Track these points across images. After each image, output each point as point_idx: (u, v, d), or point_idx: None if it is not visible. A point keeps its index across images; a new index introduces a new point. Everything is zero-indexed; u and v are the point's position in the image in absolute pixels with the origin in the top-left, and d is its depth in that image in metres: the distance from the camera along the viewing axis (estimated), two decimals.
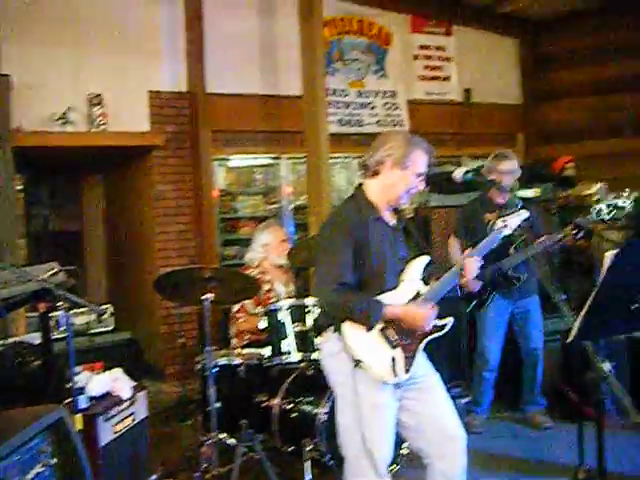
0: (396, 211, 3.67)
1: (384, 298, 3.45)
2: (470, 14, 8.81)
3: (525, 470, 5.05)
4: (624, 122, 8.37)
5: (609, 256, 2.87)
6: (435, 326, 3.54)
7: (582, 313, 2.92)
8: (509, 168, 5.46)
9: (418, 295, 3.55)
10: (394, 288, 3.51)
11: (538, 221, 5.42)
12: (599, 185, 7.71)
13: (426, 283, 3.59)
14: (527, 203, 5.52)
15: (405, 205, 3.75)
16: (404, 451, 4.57)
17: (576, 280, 5.17)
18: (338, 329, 3.42)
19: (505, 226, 3.56)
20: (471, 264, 3.54)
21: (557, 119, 9.09)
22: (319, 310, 3.82)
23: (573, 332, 2.96)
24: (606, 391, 3.73)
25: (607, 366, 2.94)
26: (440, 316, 3.57)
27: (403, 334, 3.46)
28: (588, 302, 2.90)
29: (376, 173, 3.54)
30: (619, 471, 4.22)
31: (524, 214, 3.63)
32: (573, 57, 8.88)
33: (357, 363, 3.36)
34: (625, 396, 2.86)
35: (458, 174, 3.62)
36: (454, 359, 6.54)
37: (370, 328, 3.39)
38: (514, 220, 3.59)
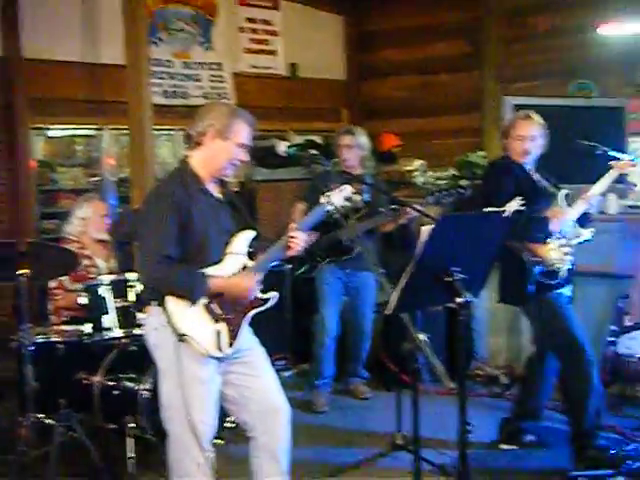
0: (221, 184, 3.65)
1: (209, 271, 3.43)
2: None
3: (347, 440, 5.20)
4: (443, 101, 8.67)
5: (425, 230, 2.98)
6: (259, 299, 3.57)
7: (399, 286, 3.02)
8: (345, 142, 5.65)
9: (244, 269, 3.55)
10: (219, 261, 3.50)
11: (377, 200, 5.60)
12: (420, 162, 8.00)
13: (251, 258, 3.59)
14: (374, 182, 5.70)
15: (230, 178, 3.73)
16: (229, 425, 4.59)
17: (396, 254, 5.34)
18: (161, 303, 3.38)
19: (328, 202, 3.61)
20: (297, 238, 3.58)
21: (380, 96, 9.28)
22: (143, 284, 3.75)
23: (391, 305, 3.05)
24: (422, 360, 3.88)
25: (422, 336, 3.06)
26: (264, 290, 3.60)
27: (228, 308, 3.46)
28: (404, 275, 3.00)
29: (199, 144, 3.52)
30: (433, 435, 4.43)
31: (347, 190, 3.70)
32: (396, 36, 9.08)
33: (181, 337, 3.33)
34: (438, 364, 2.98)
35: (281, 148, 3.63)
36: (279, 333, 6.62)
37: (194, 302, 3.36)
38: (337, 196, 3.64)
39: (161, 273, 3.34)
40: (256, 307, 3.57)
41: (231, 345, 3.46)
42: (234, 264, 3.54)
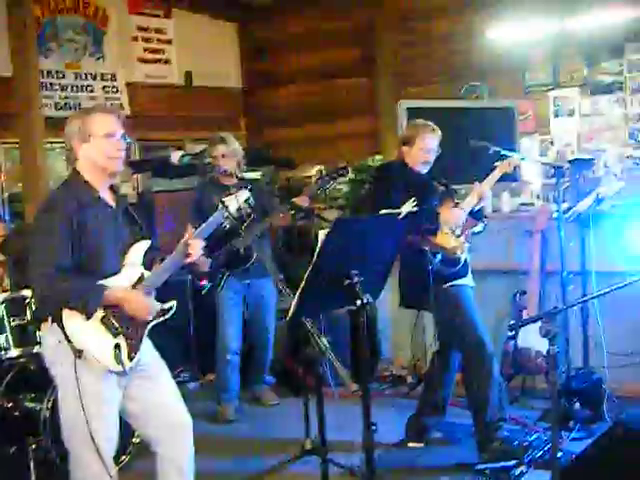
0: (115, 192, 3.58)
1: (106, 282, 3.36)
2: None
3: (257, 448, 5.18)
4: (340, 106, 8.75)
5: (322, 234, 2.99)
6: (160, 310, 3.52)
7: (298, 291, 3.02)
8: (221, 152, 5.58)
9: (142, 279, 3.50)
10: (116, 272, 3.44)
11: (264, 202, 5.60)
12: (318, 167, 8.05)
13: (147, 268, 3.54)
14: (253, 185, 5.68)
15: (125, 188, 3.66)
16: (135, 440, 4.52)
17: (296, 259, 5.36)
18: (57, 319, 3.29)
19: (225, 207, 3.59)
20: (195, 245, 3.55)
21: (277, 103, 9.30)
22: (36, 299, 3.63)
23: (291, 310, 3.05)
24: (325, 364, 3.92)
25: (325, 340, 3.07)
26: (164, 300, 3.55)
27: (125, 321, 3.39)
28: (304, 280, 3.01)
29: (76, 159, 3.46)
30: (340, 438, 4.45)
31: (242, 195, 3.69)
32: (291, 43, 9.12)
33: (79, 354, 3.25)
34: (341, 368, 3.00)
35: (174, 157, 3.60)
36: (183, 344, 6.55)
37: (90, 314, 3.28)
38: (232, 202, 3.63)
39: (54, 285, 3.25)
40: (155, 318, 3.52)
41: (131, 359, 3.39)
42: (131, 275, 3.48)
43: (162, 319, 3.54)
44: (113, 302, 3.34)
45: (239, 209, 3.67)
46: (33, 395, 4.50)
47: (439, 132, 4.79)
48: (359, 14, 8.49)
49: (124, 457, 4.44)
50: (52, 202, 3.41)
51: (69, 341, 3.25)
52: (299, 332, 5.03)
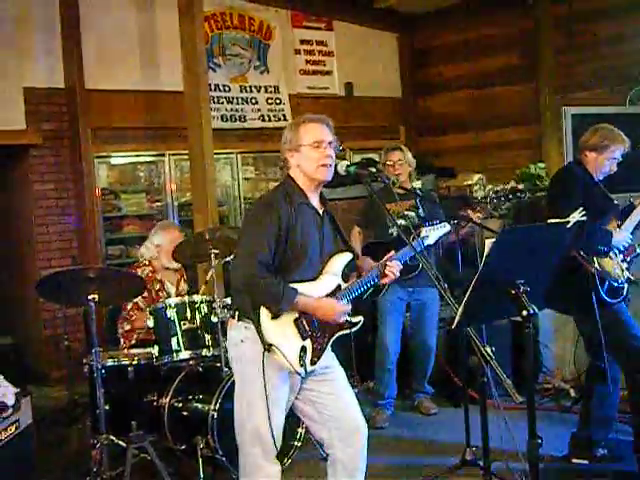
0: (323, 200, 3.66)
1: (303, 287, 3.44)
2: (349, 10, 8.92)
3: (414, 457, 5.15)
4: (499, 114, 8.64)
5: (489, 244, 2.97)
6: (348, 322, 3.58)
7: (464, 300, 3.01)
8: (396, 159, 5.68)
9: (338, 289, 3.58)
10: (315, 277, 3.53)
11: (433, 213, 5.63)
12: (478, 175, 7.97)
13: (345, 280, 3.62)
14: (425, 194, 5.74)
15: (328, 179, 3.67)
16: (297, 443, 4.61)
17: (457, 268, 5.31)
18: (241, 316, 3.44)
19: (427, 236, 3.64)
20: (393, 268, 3.61)
21: (437, 111, 9.31)
22: (232, 290, 3.71)
23: (456, 319, 3.04)
24: (489, 374, 3.87)
25: (489, 350, 3.03)
26: (350, 313, 3.60)
27: (316, 327, 3.48)
28: (469, 289, 2.99)
29: (288, 168, 3.58)
30: (502, 449, 4.36)
31: (445, 228, 3.74)
32: (450, 51, 9.11)
33: (269, 347, 3.33)
34: (505, 378, 2.96)
35: (340, 167, 3.67)
36: (342, 351, 6.61)
37: (277, 313, 3.37)
38: (436, 233, 3.70)
39: (253, 278, 3.34)
40: (344, 329, 3.59)
41: (314, 363, 3.47)
42: (329, 284, 3.56)
43: (348, 331, 3.61)
44: (304, 309, 3.43)
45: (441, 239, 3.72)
46: (202, 396, 4.66)
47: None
48: (519, 18, 8.37)
49: (286, 460, 4.54)
50: (265, 202, 3.55)
51: (260, 334, 3.34)
52: (461, 341, 5.02)
